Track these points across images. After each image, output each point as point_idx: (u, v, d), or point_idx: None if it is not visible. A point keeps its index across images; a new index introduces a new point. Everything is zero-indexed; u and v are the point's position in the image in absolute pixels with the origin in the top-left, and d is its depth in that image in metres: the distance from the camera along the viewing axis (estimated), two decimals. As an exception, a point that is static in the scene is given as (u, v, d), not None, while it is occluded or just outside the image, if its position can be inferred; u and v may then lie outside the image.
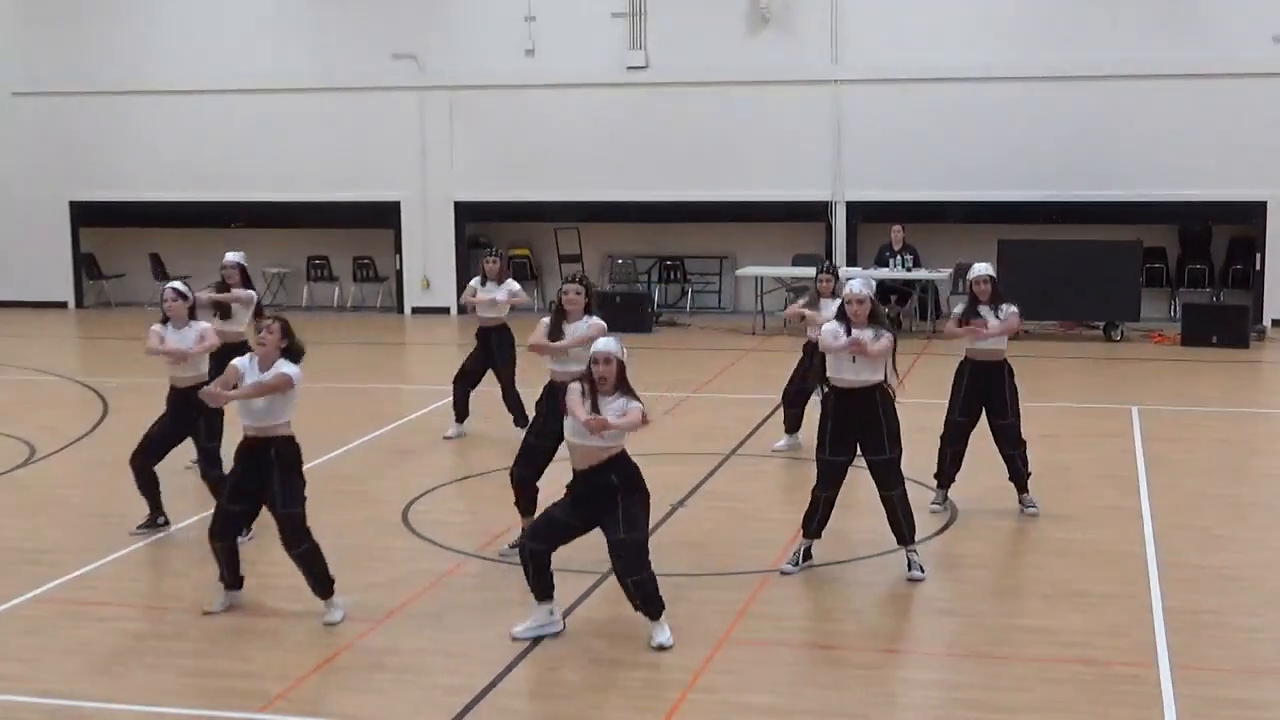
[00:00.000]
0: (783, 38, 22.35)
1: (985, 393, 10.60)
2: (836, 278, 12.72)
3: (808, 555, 9.43)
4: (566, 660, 7.90)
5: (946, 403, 10.80)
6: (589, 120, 22.99)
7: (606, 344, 7.99)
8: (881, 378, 9.03)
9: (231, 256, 12.45)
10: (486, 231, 24.52)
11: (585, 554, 9.50)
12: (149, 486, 10.30)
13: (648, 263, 23.64)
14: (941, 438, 10.76)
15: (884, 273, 20.79)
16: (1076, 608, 8.78)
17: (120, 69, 24.14)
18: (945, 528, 10.43)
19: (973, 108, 21.72)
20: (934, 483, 10.87)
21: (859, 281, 9.16)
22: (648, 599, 8.03)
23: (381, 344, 21.12)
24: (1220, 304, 21.42)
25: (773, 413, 14.85)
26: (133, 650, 8.08)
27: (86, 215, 24.86)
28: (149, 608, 8.85)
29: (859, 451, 9.20)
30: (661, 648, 7.97)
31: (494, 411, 13.57)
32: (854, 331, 8.93)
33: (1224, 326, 19.48)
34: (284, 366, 8.36)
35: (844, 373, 8.99)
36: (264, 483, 8.34)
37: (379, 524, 10.63)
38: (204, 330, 10.44)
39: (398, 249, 24.05)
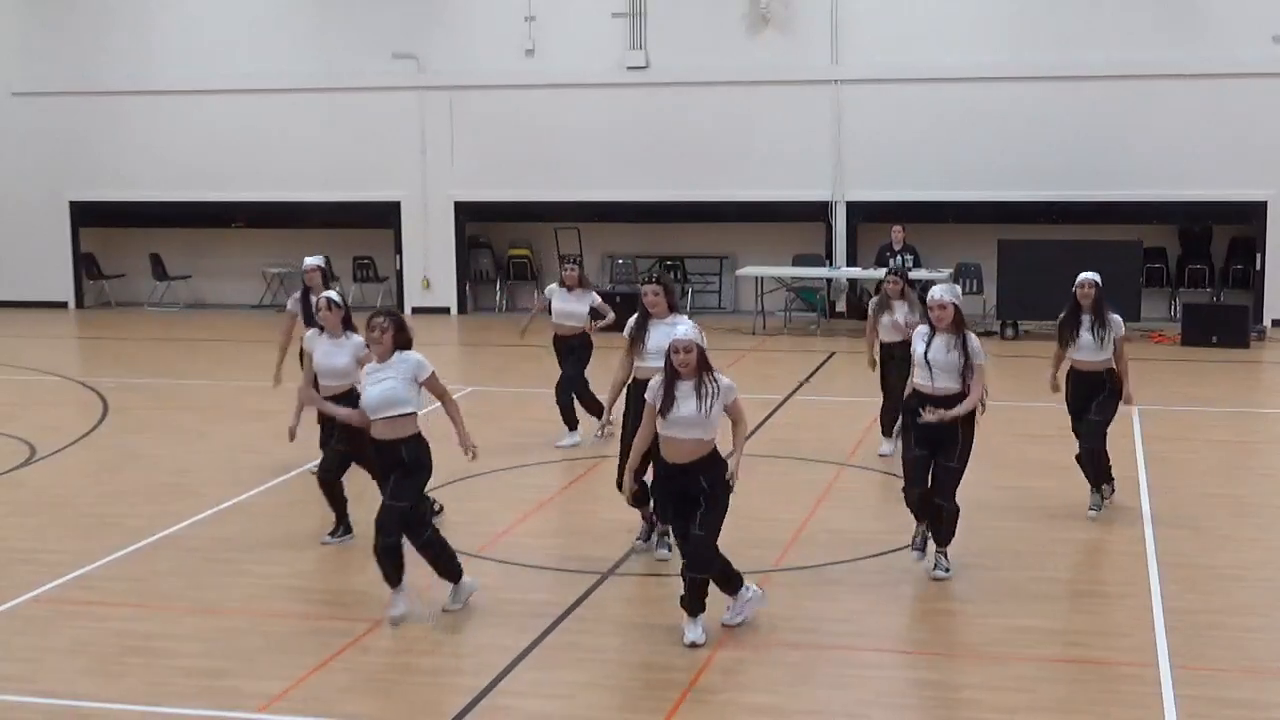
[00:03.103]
0: (783, 38, 22.35)
1: (1089, 397, 10.63)
2: (906, 280, 12.68)
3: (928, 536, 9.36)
4: (567, 660, 7.91)
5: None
6: (589, 120, 22.98)
7: (686, 332, 8.05)
8: (959, 388, 9.00)
9: (311, 260, 12.06)
10: (486, 231, 24.53)
11: (585, 552, 9.52)
12: (335, 500, 10.10)
13: (648, 263, 23.62)
14: (1077, 456, 10.81)
15: (884, 273, 20.76)
16: (1076, 608, 8.79)
17: (120, 69, 24.14)
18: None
19: (972, 108, 21.71)
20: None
21: (942, 287, 9.20)
22: (695, 594, 8.07)
23: (381, 344, 21.09)
24: (1220, 304, 21.41)
25: (772, 413, 14.87)
26: (133, 650, 8.08)
27: (86, 215, 24.86)
28: (149, 608, 8.85)
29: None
30: (694, 645, 7.98)
31: (497, 412, 13.57)
32: (932, 348, 8.96)
33: (1224, 326, 19.48)
34: (408, 357, 8.34)
35: (927, 381, 9.01)
36: (388, 473, 8.36)
37: (379, 524, 10.61)
38: (358, 344, 9.78)
39: (398, 249, 24.05)
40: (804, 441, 13.29)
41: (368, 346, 8.56)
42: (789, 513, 10.87)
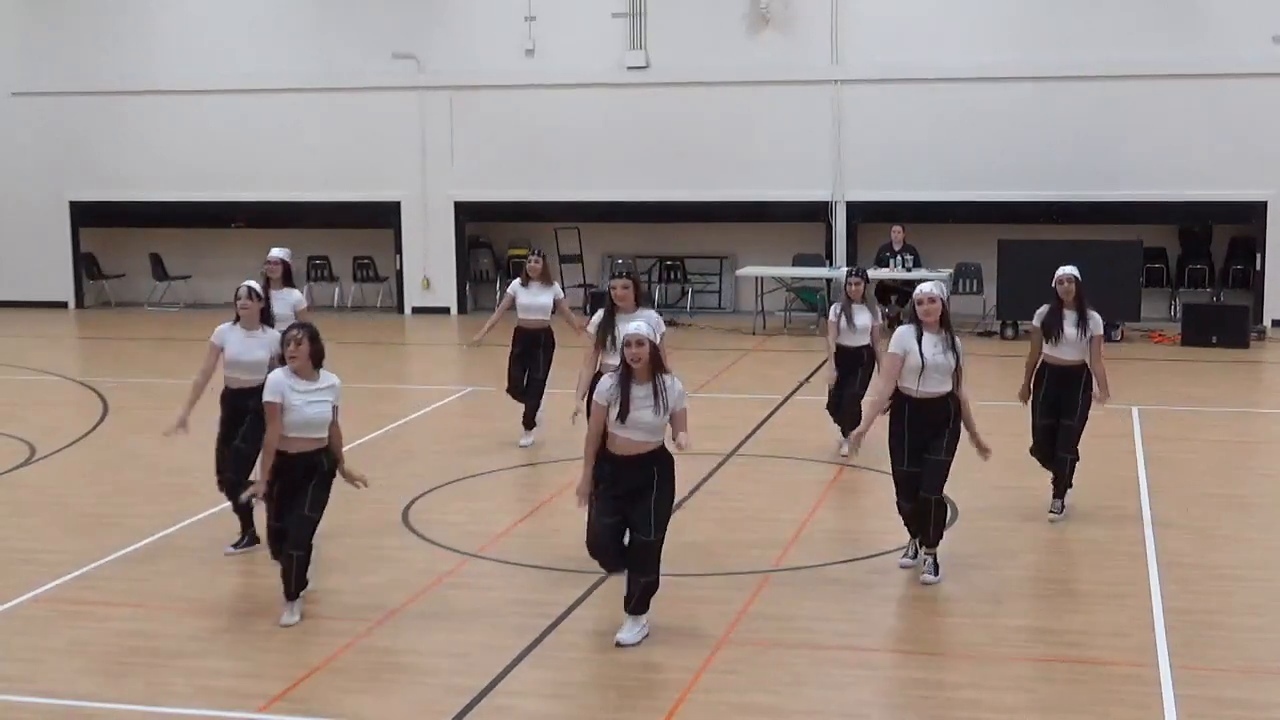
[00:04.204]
0: (783, 38, 22.35)
1: (1060, 395, 10.51)
2: (867, 281, 12.72)
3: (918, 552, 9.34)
4: (566, 660, 7.90)
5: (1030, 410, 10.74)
6: (589, 120, 22.98)
7: (638, 326, 7.96)
8: (951, 388, 8.97)
9: (276, 252, 11.90)
10: (486, 231, 24.54)
11: (585, 553, 9.51)
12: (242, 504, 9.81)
13: (648, 263, 23.63)
14: (1031, 449, 10.76)
15: (884, 273, 20.80)
16: (1076, 608, 8.79)
17: (120, 69, 24.14)
18: (945, 527, 10.40)
19: (973, 108, 21.72)
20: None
21: (931, 284, 9.15)
22: (645, 598, 8.07)
23: (381, 344, 21.12)
24: (1220, 304, 21.41)
25: (772, 413, 14.87)
26: (133, 650, 8.08)
27: (86, 215, 24.86)
28: (149, 608, 8.85)
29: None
30: (619, 644, 7.97)
31: (496, 412, 13.57)
32: (926, 345, 8.88)
33: (1224, 326, 19.48)
34: (335, 384, 8.46)
35: (916, 384, 8.94)
36: (301, 487, 8.35)
37: (379, 524, 10.63)
38: (274, 338, 9.55)
39: (398, 249, 24.05)
40: (804, 441, 13.28)
41: (284, 361, 8.45)
42: (789, 513, 10.87)
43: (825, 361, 12.77)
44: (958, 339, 9.03)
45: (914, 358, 8.90)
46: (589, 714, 7.26)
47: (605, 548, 8.07)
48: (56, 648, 8.12)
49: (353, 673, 7.74)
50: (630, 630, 8.06)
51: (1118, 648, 8.04)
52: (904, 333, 9.01)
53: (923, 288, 9.07)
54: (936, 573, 9.13)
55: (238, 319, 9.72)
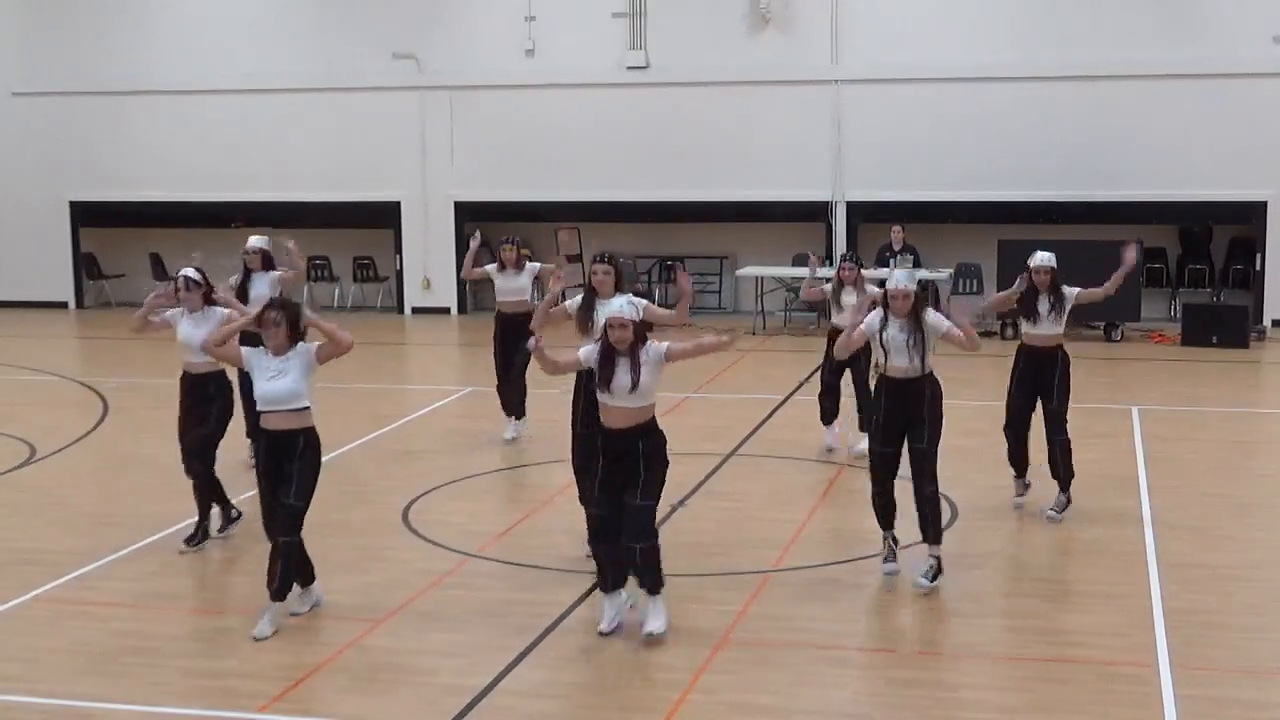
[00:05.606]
0: (783, 38, 22.35)
1: (1039, 378, 10.55)
2: (860, 266, 12.76)
3: (895, 543, 9.27)
4: (566, 660, 7.90)
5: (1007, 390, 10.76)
6: (589, 120, 22.98)
7: (621, 307, 7.99)
8: (923, 369, 8.97)
9: (254, 240, 12.19)
10: (486, 231, 24.48)
11: (585, 552, 9.51)
12: (205, 493, 9.97)
13: (648, 263, 23.63)
14: (1005, 426, 10.74)
15: (884, 273, 20.78)
16: (1076, 608, 8.79)
17: (120, 69, 24.14)
18: (945, 527, 10.39)
19: (972, 108, 21.71)
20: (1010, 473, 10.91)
21: (903, 273, 9.12)
22: (648, 568, 8.04)
23: (381, 344, 21.11)
24: (1220, 304, 21.41)
25: (772, 413, 14.87)
26: (133, 650, 8.08)
27: (86, 215, 24.87)
28: (149, 608, 8.85)
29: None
30: (650, 636, 7.97)
31: (496, 412, 13.56)
32: (890, 329, 8.95)
33: (1224, 326, 19.48)
34: (301, 349, 8.33)
35: (895, 362, 8.97)
36: (285, 470, 8.29)
37: (379, 524, 10.64)
38: (221, 315, 9.85)
39: (398, 249, 24.06)
40: (804, 441, 13.29)
41: (264, 344, 8.42)
42: (789, 513, 10.87)
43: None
44: (929, 315, 8.97)
45: (875, 341, 9.05)
46: (589, 714, 7.26)
47: (602, 529, 8.11)
48: (56, 648, 8.12)
49: (353, 673, 7.74)
50: (655, 618, 8.03)
51: (1117, 648, 8.04)
52: (873, 317, 9.11)
53: (898, 279, 9.05)
54: (934, 579, 8.94)
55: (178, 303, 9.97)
